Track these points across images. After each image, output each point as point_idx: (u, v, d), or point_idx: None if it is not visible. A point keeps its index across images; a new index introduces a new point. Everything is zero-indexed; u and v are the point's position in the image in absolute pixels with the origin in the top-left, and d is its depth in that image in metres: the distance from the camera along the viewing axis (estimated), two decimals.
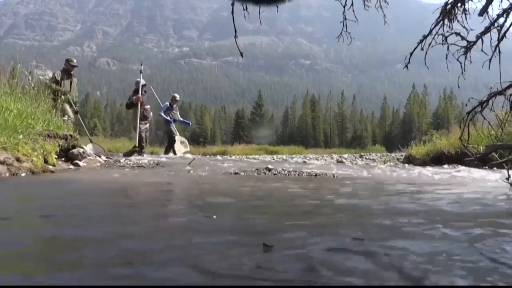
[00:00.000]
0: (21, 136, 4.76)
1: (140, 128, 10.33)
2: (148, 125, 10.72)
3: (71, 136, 6.22)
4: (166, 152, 12.11)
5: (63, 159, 5.82)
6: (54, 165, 5.09)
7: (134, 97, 10.34)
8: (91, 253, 1.26)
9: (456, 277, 1.08)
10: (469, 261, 1.23)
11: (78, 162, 5.83)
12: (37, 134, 5.26)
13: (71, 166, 5.62)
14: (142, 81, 10.69)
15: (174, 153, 11.87)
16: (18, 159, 4.31)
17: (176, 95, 12.85)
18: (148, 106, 10.80)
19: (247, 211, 2.34)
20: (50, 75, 9.79)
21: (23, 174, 4.14)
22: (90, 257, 1.21)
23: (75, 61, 9.75)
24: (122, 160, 7.57)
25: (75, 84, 9.63)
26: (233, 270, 1.10)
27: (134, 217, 2.07)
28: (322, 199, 2.96)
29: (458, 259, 1.24)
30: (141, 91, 10.50)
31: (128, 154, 10.01)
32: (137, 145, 10.23)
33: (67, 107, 9.20)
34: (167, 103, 12.34)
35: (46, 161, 4.94)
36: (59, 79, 9.20)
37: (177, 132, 12.48)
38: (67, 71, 9.44)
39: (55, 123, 6.56)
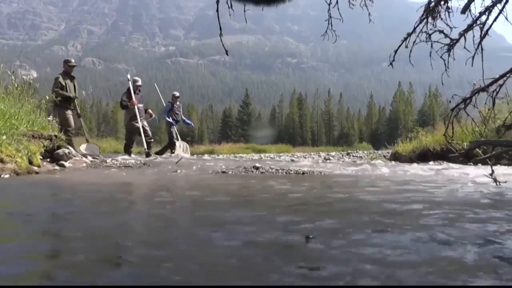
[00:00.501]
0: (4, 137, 4.69)
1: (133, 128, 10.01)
2: (140, 123, 10.16)
3: (56, 136, 6.15)
4: (161, 153, 11.63)
5: (48, 159, 5.76)
6: (39, 166, 5.03)
7: (129, 103, 9.93)
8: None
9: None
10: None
11: (63, 162, 5.76)
12: (21, 135, 5.19)
13: (57, 167, 5.55)
14: (139, 81, 10.41)
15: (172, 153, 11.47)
16: (1, 160, 4.24)
17: (176, 92, 12.31)
18: (141, 105, 10.40)
19: (235, 207, 2.34)
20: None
21: (7, 176, 4.08)
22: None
23: (73, 60, 9.35)
24: (109, 160, 7.50)
25: (77, 87, 9.30)
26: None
27: (125, 219, 2.06)
28: (315, 196, 2.97)
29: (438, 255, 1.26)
30: (136, 91, 10.15)
31: (148, 155, 9.72)
32: (146, 148, 9.92)
33: (70, 115, 8.85)
34: (169, 103, 11.95)
35: (30, 162, 4.88)
36: (64, 84, 8.74)
37: (178, 136, 11.89)
38: (67, 73, 9.02)
39: (40, 123, 6.48)
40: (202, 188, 3.60)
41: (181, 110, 12.32)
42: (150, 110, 11.06)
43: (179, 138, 11.86)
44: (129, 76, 10.67)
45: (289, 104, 77.10)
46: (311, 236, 1.43)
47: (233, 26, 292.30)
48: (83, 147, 9.00)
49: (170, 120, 11.65)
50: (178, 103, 12.11)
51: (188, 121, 13.07)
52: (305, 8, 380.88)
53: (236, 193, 3.21)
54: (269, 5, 0.99)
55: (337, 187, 3.72)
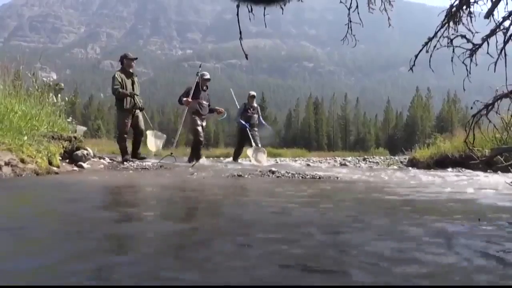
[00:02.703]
0: (25, 138, 4.78)
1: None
2: (205, 122, 9.25)
3: (75, 137, 6.24)
4: (235, 159, 10.74)
5: (67, 160, 5.84)
6: (58, 167, 5.10)
7: (184, 99, 8.93)
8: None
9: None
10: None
11: (82, 163, 5.84)
12: (41, 136, 5.28)
13: (75, 168, 5.63)
14: (206, 75, 9.30)
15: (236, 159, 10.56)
16: (22, 161, 4.32)
17: (252, 92, 10.90)
18: (205, 103, 9.22)
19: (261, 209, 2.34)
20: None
21: (28, 175, 4.15)
22: None
23: (131, 54, 8.32)
24: (125, 162, 7.59)
25: (137, 84, 8.20)
26: None
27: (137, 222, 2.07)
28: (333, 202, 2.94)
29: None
30: (203, 87, 9.19)
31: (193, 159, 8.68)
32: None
33: (127, 118, 7.84)
34: (243, 105, 10.62)
35: (50, 163, 4.95)
36: (120, 80, 7.86)
37: (252, 141, 10.08)
38: (124, 70, 8.06)
39: (59, 124, 6.60)
40: (220, 191, 3.61)
41: (258, 112, 10.81)
42: (221, 109, 9.82)
43: (253, 144, 10.10)
44: (200, 68, 9.49)
45: (305, 109, 77.05)
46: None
47: (250, 30, 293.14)
48: (149, 133, 8.45)
49: (243, 122, 10.31)
50: (254, 104, 10.75)
51: (264, 123, 11.27)
52: (322, 12, 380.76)
53: (255, 194, 3.19)
54: (269, 5, 0.98)
55: (357, 191, 3.68)
